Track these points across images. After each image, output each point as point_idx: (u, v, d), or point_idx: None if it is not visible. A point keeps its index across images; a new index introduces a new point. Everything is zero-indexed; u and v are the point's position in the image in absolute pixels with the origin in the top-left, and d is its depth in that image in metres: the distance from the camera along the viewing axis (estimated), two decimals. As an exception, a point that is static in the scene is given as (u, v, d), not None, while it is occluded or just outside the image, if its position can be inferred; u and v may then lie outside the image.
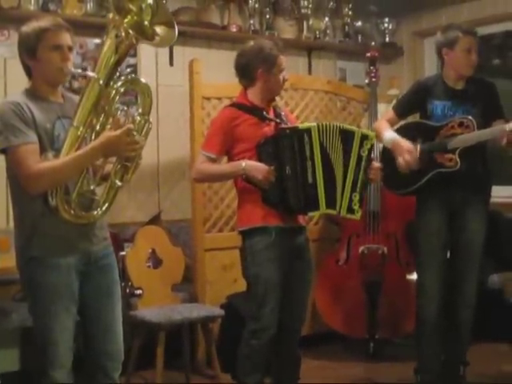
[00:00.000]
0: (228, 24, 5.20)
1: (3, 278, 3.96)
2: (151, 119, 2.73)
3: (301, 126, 3.46)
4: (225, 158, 3.55)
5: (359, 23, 5.83)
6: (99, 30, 4.29)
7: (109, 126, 2.65)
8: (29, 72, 2.75)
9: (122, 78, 2.68)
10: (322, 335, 4.85)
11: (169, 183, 5.05)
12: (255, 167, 3.26)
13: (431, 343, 3.86)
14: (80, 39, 4.56)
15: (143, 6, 2.63)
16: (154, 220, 4.74)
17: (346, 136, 3.34)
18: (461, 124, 3.68)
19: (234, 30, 5.17)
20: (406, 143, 3.76)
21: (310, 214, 3.44)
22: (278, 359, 3.51)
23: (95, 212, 2.70)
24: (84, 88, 2.66)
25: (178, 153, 4.95)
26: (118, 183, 2.69)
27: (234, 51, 3.57)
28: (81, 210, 2.65)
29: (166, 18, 2.69)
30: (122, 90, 2.65)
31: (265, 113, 3.40)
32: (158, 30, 2.66)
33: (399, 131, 3.89)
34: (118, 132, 2.58)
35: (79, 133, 2.62)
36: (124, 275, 4.11)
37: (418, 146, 3.76)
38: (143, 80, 2.75)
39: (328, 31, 5.71)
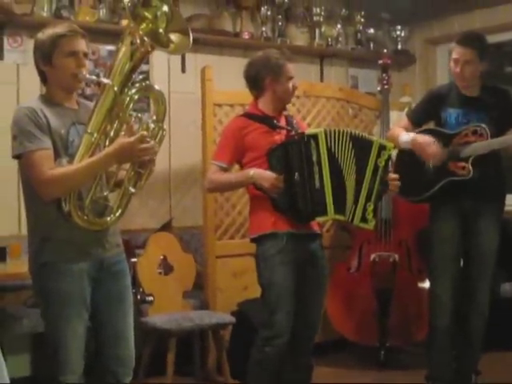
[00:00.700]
0: (240, 31, 5.21)
1: (15, 284, 3.98)
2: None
3: (308, 131, 3.46)
4: (236, 166, 3.56)
5: (371, 30, 5.83)
6: (112, 36, 4.35)
7: (123, 133, 2.65)
8: (44, 78, 2.76)
9: (136, 84, 2.68)
10: (332, 343, 4.84)
11: (180, 190, 5.05)
12: (262, 175, 3.25)
13: (443, 351, 3.84)
14: (92, 45, 4.53)
15: (158, 13, 2.64)
16: (166, 227, 4.74)
17: (361, 144, 3.34)
18: (474, 132, 3.67)
19: (246, 37, 5.19)
20: (423, 137, 3.73)
21: (319, 219, 3.43)
22: (290, 367, 3.48)
23: (108, 218, 2.70)
24: (99, 94, 2.68)
25: (189, 160, 4.95)
26: (132, 190, 2.69)
27: (246, 58, 3.58)
28: (94, 216, 2.66)
29: (180, 26, 2.70)
30: (136, 97, 2.66)
31: (275, 121, 3.40)
32: (173, 37, 2.66)
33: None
34: (132, 139, 2.58)
35: (93, 139, 2.63)
36: (135, 282, 4.11)
37: None
38: (157, 87, 2.75)
39: (340, 38, 5.71)
